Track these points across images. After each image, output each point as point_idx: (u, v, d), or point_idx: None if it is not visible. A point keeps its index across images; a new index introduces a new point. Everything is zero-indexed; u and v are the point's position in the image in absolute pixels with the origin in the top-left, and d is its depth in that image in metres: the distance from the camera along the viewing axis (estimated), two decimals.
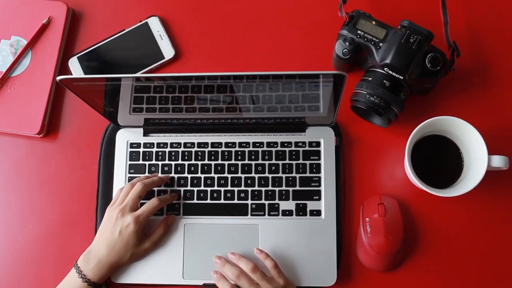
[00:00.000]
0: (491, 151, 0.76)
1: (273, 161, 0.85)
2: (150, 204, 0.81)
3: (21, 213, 0.89)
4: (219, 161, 0.86)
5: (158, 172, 0.86)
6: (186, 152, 0.86)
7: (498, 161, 0.76)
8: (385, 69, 0.80)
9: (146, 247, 0.81)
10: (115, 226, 0.79)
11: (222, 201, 0.85)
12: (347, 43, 0.82)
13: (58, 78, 0.67)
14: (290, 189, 0.84)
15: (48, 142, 0.91)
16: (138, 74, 0.72)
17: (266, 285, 0.76)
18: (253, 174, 0.85)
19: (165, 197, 0.83)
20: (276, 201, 0.84)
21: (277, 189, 0.84)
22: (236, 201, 0.85)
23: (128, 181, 0.86)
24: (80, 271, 0.78)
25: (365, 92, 0.80)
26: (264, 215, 0.84)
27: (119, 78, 0.71)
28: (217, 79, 0.70)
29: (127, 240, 0.79)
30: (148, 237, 0.82)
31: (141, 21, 0.93)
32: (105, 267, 0.79)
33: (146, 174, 0.86)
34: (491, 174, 0.77)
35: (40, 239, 0.88)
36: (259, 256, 0.81)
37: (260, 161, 0.85)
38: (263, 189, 0.84)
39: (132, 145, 0.88)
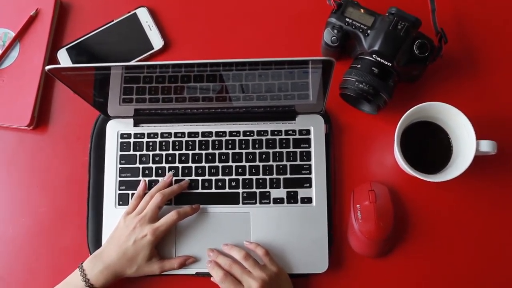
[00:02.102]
0: (479, 136, 0.77)
1: (264, 150, 0.86)
2: (169, 217, 0.80)
3: (12, 205, 0.89)
4: (210, 150, 0.86)
5: (149, 162, 0.86)
6: (176, 142, 0.87)
7: (486, 146, 0.77)
8: (374, 56, 0.80)
9: (153, 269, 0.80)
10: (130, 235, 0.78)
11: (213, 190, 0.85)
12: (335, 31, 0.83)
13: (47, 68, 0.67)
14: (281, 177, 0.85)
15: (38, 134, 0.91)
16: (127, 63, 0.71)
17: (259, 272, 0.76)
18: (244, 163, 0.85)
19: (185, 210, 0.82)
20: (267, 189, 0.84)
21: (268, 177, 0.85)
22: (227, 189, 0.85)
23: (119, 172, 0.86)
24: (85, 274, 0.77)
25: (354, 79, 0.81)
26: (255, 203, 0.84)
27: (108, 67, 0.70)
28: (207, 67, 0.70)
29: (140, 251, 0.78)
30: (160, 261, 0.80)
31: (129, 12, 0.93)
32: (110, 274, 0.78)
33: (164, 179, 0.85)
34: (479, 159, 0.78)
35: (31, 232, 0.88)
36: (249, 247, 0.81)
37: (250, 150, 0.86)
38: (254, 177, 0.85)
39: (122, 135, 0.87)
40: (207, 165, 0.86)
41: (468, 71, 0.89)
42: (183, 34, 0.94)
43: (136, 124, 0.88)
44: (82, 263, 0.79)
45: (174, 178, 0.85)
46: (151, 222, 0.80)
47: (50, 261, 0.86)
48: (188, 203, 0.84)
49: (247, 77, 0.75)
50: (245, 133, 0.86)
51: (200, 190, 0.85)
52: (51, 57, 0.93)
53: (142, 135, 0.87)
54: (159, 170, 0.86)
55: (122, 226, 0.80)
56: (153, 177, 0.86)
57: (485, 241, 0.84)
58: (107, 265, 0.78)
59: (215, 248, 0.82)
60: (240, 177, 0.85)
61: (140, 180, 0.85)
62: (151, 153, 0.87)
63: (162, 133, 0.87)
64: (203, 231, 0.84)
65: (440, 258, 0.84)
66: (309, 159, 0.85)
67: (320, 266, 0.82)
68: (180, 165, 0.86)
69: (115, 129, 0.88)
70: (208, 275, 0.81)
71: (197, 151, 0.86)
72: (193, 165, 0.86)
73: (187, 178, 0.85)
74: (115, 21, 0.93)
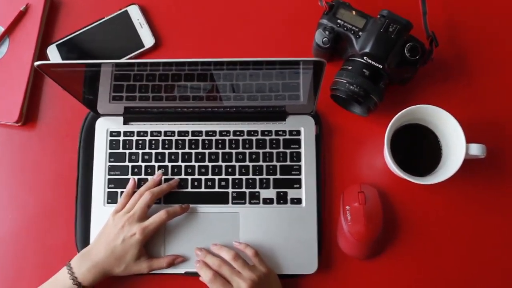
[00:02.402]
0: (469, 140, 0.77)
1: (254, 150, 0.85)
2: (158, 216, 0.80)
3: None
4: (200, 150, 0.86)
5: (138, 160, 0.86)
6: (166, 141, 0.86)
7: (476, 149, 0.78)
8: (365, 58, 0.80)
9: (141, 268, 0.79)
10: (119, 233, 0.78)
11: (203, 189, 0.85)
12: (327, 32, 0.83)
13: (36, 63, 0.66)
14: (271, 177, 0.85)
15: (26, 131, 0.90)
16: (117, 60, 0.71)
17: (248, 273, 0.76)
18: (233, 163, 0.85)
19: (174, 209, 0.81)
20: (257, 189, 0.84)
21: (257, 177, 0.85)
22: (217, 189, 0.84)
23: (108, 170, 0.86)
24: (72, 272, 0.77)
25: (345, 81, 0.81)
26: (245, 203, 0.84)
27: (98, 64, 0.70)
28: (197, 65, 0.70)
29: (128, 249, 0.78)
30: (148, 260, 0.80)
31: (120, 9, 0.93)
32: (98, 272, 0.77)
33: (153, 177, 0.84)
34: (469, 162, 0.79)
35: (19, 229, 0.87)
36: (239, 247, 0.81)
37: (240, 150, 0.85)
38: (243, 177, 0.85)
39: (112, 133, 0.87)
40: (196, 164, 0.85)
41: (458, 75, 0.90)
42: (174, 33, 0.93)
43: (125, 122, 0.87)
44: (70, 261, 0.78)
45: (164, 177, 0.85)
46: (140, 220, 0.79)
47: (37, 258, 0.86)
48: (178, 203, 0.83)
49: (238, 77, 0.75)
50: (235, 132, 0.86)
51: (189, 190, 0.85)
52: (40, 53, 0.92)
53: (131, 133, 0.87)
54: (149, 169, 0.85)
55: (111, 225, 0.80)
56: (143, 176, 0.85)
57: (474, 243, 0.85)
58: (95, 263, 0.77)
59: (203, 248, 0.82)
60: (230, 177, 0.85)
61: (129, 179, 0.85)
62: (140, 151, 0.86)
63: (152, 132, 0.86)
64: (192, 231, 0.83)
65: (429, 260, 0.84)
66: (299, 160, 0.85)
67: (309, 267, 0.82)
68: (170, 164, 0.85)
69: (104, 126, 0.87)
70: (197, 274, 0.80)
71: (187, 150, 0.86)
72: (183, 164, 0.85)
73: (176, 177, 0.85)
74: (106, 18, 0.92)
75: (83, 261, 0.78)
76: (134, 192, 0.83)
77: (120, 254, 0.78)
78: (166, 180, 0.85)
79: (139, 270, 0.80)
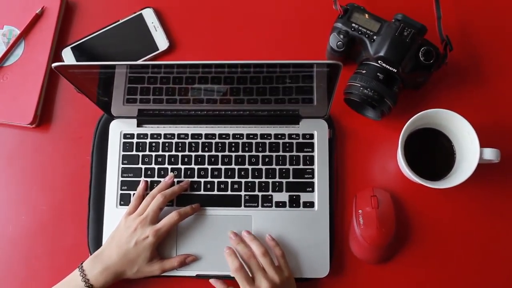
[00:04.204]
0: (483, 144, 0.77)
1: (267, 153, 0.86)
2: (170, 218, 0.80)
3: (12, 203, 0.88)
4: (213, 152, 0.86)
5: (151, 163, 0.86)
6: (180, 143, 0.86)
7: (490, 154, 0.77)
8: (379, 62, 0.80)
9: (153, 270, 0.80)
10: (132, 236, 0.78)
11: (215, 192, 0.85)
12: (341, 36, 0.83)
13: (54, 65, 0.66)
14: (284, 180, 0.85)
15: (40, 133, 0.91)
16: (132, 62, 0.72)
17: (272, 272, 0.76)
18: (246, 166, 0.85)
19: (185, 210, 0.82)
20: (270, 192, 0.84)
21: (270, 180, 0.85)
22: (229, 192, 0.85)
23: (121, 172, 0.86)
24: (84, 275, 0.77)
25: (359, 85, 0.81)
26: (257, 206, 0.84)
27: (113, 65, 0.70)
28: (211, 68, 0.70)
29: (141, 252, 0.78)
30: (160, 261, 0.80)
31: (135, 12, 0.93)
32: (110, 275, 0.77)
33: (165, 180, 0.84)
34: (483, 167, 0.78)
35: (31, 230, 0.87)
36: (269, 243, 0.81)
37: (253, 153, 0.86)
38: (256, 180, 0.85)
39: (125, 135, 0.87)
40: (209, 167, 0.85)
41: (472, 79, 0.90)
42: (188, 36, 0.94)
43: (139, 125, 0.88)
44: (82, 263, 0.79)
45: (176, 179, 0.85)
46: (152, 223, 0.79)
47: (49, 260, 0.86)
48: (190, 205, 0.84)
49: (252, 80, 0.75)
50: (248, 136, 0.86)
51: (202, 192, 0.85)
52: (55, 56, 0.93)
53: (145, 135, 0.87)
54: (162, 171, 0.86)
55: (123, 227, 0.80)
56: (155, 178, 0.85)
57: (487, 249, 0.84)
58: (107, 266, 0.77)
59: (238, 234, 0.81)
60: (243, 180, 0.85)
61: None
62: (153, 153, 0.86)
63: (165, 134, 0.87)
64: (204, 234, 0.83)
65: (441, 265, 0.84)
66: (312, 163, 0.85)
67: (321, 271, 0.82)
68: (183, 167, 0.86)
69: (118, 129, 0.88)
70: (208, 277, 0.81)
71: (200, 153, 0.86)
72: (196, 167, 0.85)
73: (188, 179, 0.85)
74: (120, 21, 0.93)
75: (96, 263, 0.78)
76: (145, 194, 0.84)
77: (133, 257, 0.78)
78: (178, 182, 0.85)
79: (151, 272, 0.80)
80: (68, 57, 0.92)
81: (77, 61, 0.92)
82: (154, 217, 0.80)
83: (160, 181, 0.85)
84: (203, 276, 0.82)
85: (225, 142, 0.86)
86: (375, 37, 0.81)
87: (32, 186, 0.89)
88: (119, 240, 0.79)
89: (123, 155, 0.87)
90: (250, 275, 0.77)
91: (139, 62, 0.90)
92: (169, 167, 0.86)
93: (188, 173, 0.85)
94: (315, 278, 0.82)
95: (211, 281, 0.80)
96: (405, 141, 0.80)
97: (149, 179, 0.85)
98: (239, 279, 0.76)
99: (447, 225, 0.85)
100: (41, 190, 0.89)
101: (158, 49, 0.92)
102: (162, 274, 0.81)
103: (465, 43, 0.91)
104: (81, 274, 0.77)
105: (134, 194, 0.85)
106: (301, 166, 0.85)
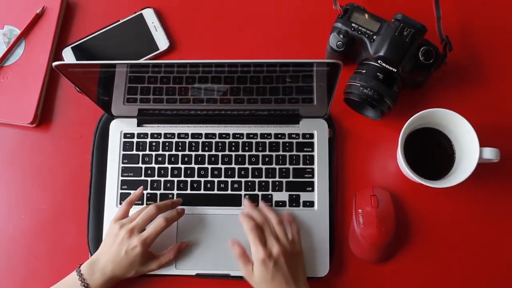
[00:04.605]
0: (483, 144, 0.77)
1: (267, 152, 0.86)
2: (157, 225, 0.79)
3: (13, 203, 0.89)
4: (213, 152, 0.86)
5: (152, 162, 0.86)
6: (180, 143, 0.87)
7: (490, 153, 0.77)
8: (379, 61, 0.81)
9: (151, 268, 0.80)
10: (121, 245, 0.77)
11: (215, 191, 0.85)
12: (341, 36, 0.83)
13: (54, 63, 0.67)
14: (284, 180, 0.85)
15: (41, 132, 0.91)
16: (133, 61, 0.72)
17: (285, 241, 0.77)
18: (246, 165, 0.85)
19: (171, 215, 0.81)
20: (270, 192, 0.84)
21: (270, 180, 0.85)
22: (229, 191, 0.85)
23: (121, 172, 0.86)
24: (83, 279, 0.77)
25: (359, 84, 0.81)
26: (257, 205, 0.84)
27: (114, 64, 0.70)
28: (211, 67, 0.70)
29: (133, 260, 0.78)
30: (156, 258, 0.80)
31: (135, 12, 0.93)
32: (109, 280, 0.77)
33: (167, 202, 0.83)
34: (482, 166, 0.78)
35: (32, 229, 0.87)
36: (287, 218, 0.81)
37: (253, 152, 0.86)
38: (256, 180, 0.85)
39: (125, 135, 0.87)
40: (209, 166, 0.86)
41: (472, 79, 0.90)
42: (189, 36, 0.94)
43: (139, 124, 0.88)
44: (79, 268, 0.78)
45: (176, 178, 0.85)
46: (139, 232, 0.78)
47: (50, 259, 0.86)
48: (190, 205, 0.84)
49: (252, 80, 0.75)
50: (248, 135, 0.86)
51: (202, 192, 0.85)
52: (56, 56, 0.93)
53: (145, 135, 0.87)
54: (162, 171, 0.86)
55: (111, 235, 0.79)
56: (155, 177, 0.86)
57: (487, 247, 0.84)
58: (104, 272, 0.77)
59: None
60: (243, 179, 0.85)
61: (142, 180, 0.86)
62: (154, 153, 0.86)
63: (165, 134, 0.87)
64: (204, 233, 0.83)
65: (441, 264, 0.84)
66: (312, 163, 0.85)
67: (320, 270, 0.82)
68: (183, 166, 0.86)
69: (118, 128, 0.88)
70: (208, 277, 0.81)
71: (200, 152, 0.86)
72: (196, 166, 0.86)
73: (184, 208, 0.84)
74: (121, 21, 0.93)
75: (93, 270, 0.77)
76: (134, 202, 0.83)
77: (126, 264, 0.78)
78: (179, 182, 0.85)
79: (150, 270, 0.80)
80: (69, 57, 0.92)
81: (77, 60, 0.92)
82: (142, 227, 0.79)
83: (160, 181, 0.86)
84: (203, 275, 0.82)
85: (225, 142, 0.86)
86: (375, 37, 0.81)
87: (32, 186, 0.89)
88: (110, 248, 0.78)
89: (123, 154, 0.87)
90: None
91: (140, 61, 0.90)
92: (169, 166, 0.86)
93: (188, 172, 0.85)
94: (315, 277, 0.82)
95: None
96: (405, 141, 0.80)
97: (149, 179, 0.86)
98: (252, 238, 0.76)
99: (446, 225, 0.85)
100: (41, 190, 0.89)
101: (158, 49, 0.92)
102: (161, 273, 0.82)
103: (464, 43, 0.91)
104: (80, 278, 0.77)
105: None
106: (301, 166, 0.85)
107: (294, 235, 0.79)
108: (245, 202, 0.83)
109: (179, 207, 0.83)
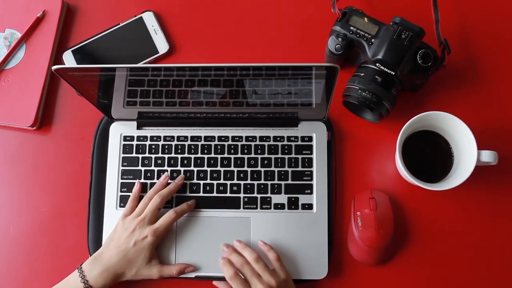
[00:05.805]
0: (481, 146, 0.77)
1: (266, 155, 0.86)
2: (168, 217, 0.81)
3: (13, 205, 0.89)
4: (212, 155, 0.86)
5: (151, 165, 0.86)
6: (179, 146, 0.87)
7: (488, 156, 0.77)
8: (377, 64, 0.81)
9: (152, 273, 0.80)
10: (130, 237, 0.79)
11: (214, 194, 0.85)
12: (339, 39, 0.83)
13: (54, 67, 0.67)
14: (282, 182, 0.85)
15: (41, 135, 0.92)
16: (132, 65, 0.72)
17: (268, 276, 0.76)
18: (245, 168, 0.86)
19: (181, 208, 0.82)
20: (268, 194, 0.85)
21: (269, 182, 0.85)
22: (228, 194, 0.85)
23: (121, 174, 0.86)
24: (83, 276, 0.77)
25: (357, 87, 0.81)
26: (256, 208, 0.84)
27: (113, 68, 0.71)
28: (211, 70, 0.70)
29: (140, 252, 0.78)
30: (159, 265, 0.81)
31: (135, 16, 0.94)
32: (110, 276, 0.78)
33: (160, 180, 0.85)
34: (480, 169, 0.79)
35: (32, 231, 0.88)
36: (262, 248, 0.81)
37: (252, 155, 0.86)
38: (255, 182, 0.85)
39: (125, 138, 0.88)
40: (209, 169, 0.86)
41: (470, 82, 0.90)
42: (188, 39, 0.94)
43: (139, 127, 0.88)
44: (81, 265, 0.79)
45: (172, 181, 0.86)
46: (150, 223, 0.80)
47: (50, 261, 0.86)
48: None
49: (251, 83, 0.75)
50: (247, 138, 0.87)
51: (201, 194, 0.85)
52: (56, 59, 0.93)
53: (145, 138, 0.88)
54: (161, 173, 0.86)
55: (121, 228, 0.80)
56: (155, 180, 0.86)
57: (485, 250, 0.84)
58: (106, 267, 0.78)
59: (230, 245, 0.82)
60: (242, 182, 0.85)
61: (141, 183, 0.86)
62: (153, 156, 0.87)
63: (165, 137, 0.87)
64: (203, 235, 0.84)
65: (439, 267, 0.84)
66: (310, 165, 0.86)
67: (319, 273, 0.82)
68: (182, 169, 0.86)
69: (118, 131, 0.88)
70: (207, 279, 0.82)
71: (199, 155, 0.86)
72: (195, 169, 0.86)
73: (182, 175, 0.85)
74: (121, 25, 0.94)
75: (95, 265, 0.78)
76: (140, 195, 0.84)
77: (132, 257, 0.78)
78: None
79: (150, 276, 0.80)
80: (69, 60, 0.93)
81: (77, 64, 0.92)
82: (152, 218, 0.80)
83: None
84: (202, 278, 0.82)
85: (224, 145, 0.87)
86: (373, 40, 0.81)
87: (33, 188, 0.90)
88: (117, 241, 0.79)
89: (123, 157, 0.87)
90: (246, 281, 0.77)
91: (139, 65, 0.90)
92: (169, 169, 0.86)
93: (187, 175, 0.86)
94: (313, 280, 0.82)
95: (215, 283, 0.81)
96: (403, 144, 0.81)
97: (148, 181, 0.86)
98: (235, 286, 0.77)
99: (445, 227, 0.85)
100: (41, 192, 0.89)
101: (158, 52, 0.92)
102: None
103: (463, 46, 0.92)
104: (80, 275, 0.77)
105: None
106: (299, 168, 0.85)
107: (274, 264, 0.79)
108: (221, 248, 0.82)
109: (191, 201, 0.84)
